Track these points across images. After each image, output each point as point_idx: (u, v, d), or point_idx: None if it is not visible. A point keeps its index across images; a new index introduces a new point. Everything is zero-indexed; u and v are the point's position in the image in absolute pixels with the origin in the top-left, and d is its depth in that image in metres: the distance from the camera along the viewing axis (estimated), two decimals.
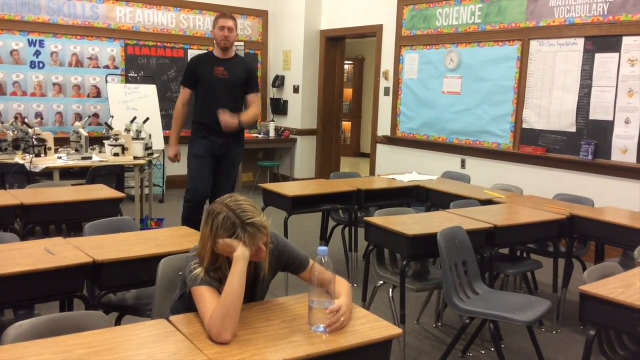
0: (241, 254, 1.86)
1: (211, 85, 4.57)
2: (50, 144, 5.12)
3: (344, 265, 4.85)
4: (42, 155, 5.04)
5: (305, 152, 8.58)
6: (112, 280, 2.60)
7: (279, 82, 8.69)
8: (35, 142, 5.02)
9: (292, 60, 8.55)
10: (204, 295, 1.86)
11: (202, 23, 8.20)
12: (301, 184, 5.68)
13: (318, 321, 1.86)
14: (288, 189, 4.65)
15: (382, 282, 3.53)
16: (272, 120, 8.67)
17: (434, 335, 3.80)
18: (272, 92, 8.86)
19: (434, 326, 3.89)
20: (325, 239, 5.00)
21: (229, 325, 1.76)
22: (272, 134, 8.48)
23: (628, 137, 5.11)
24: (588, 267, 3.26)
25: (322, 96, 8.46)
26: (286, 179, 8.50)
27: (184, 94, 4.75)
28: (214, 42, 4.71)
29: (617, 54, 5.16)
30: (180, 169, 8.14)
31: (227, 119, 4.48)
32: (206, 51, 5.10)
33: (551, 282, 3.97)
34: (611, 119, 5.21)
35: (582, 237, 4.09)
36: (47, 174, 4.93)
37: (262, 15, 8.72)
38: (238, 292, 1.83)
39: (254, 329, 1.85)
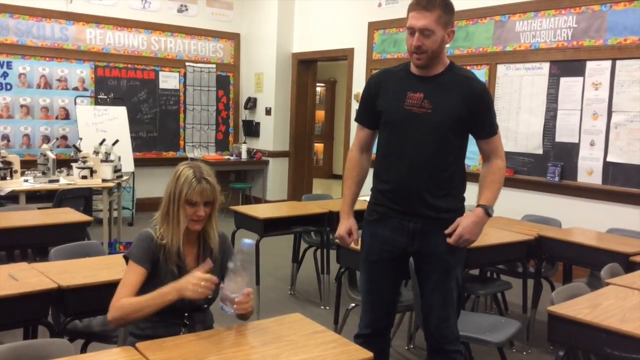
0: (177, 288, 1.98)
1: (399, 125, 2.59)
2: (17, 166, 5.04)
3: (315, 288, 4.83)
4: (8, 178, 4.95)
5: (277, 174, 8.58)
6: (78, 306, 2.55)
7: (251, 103, 8.70)
8: (1, 165, 4.93)
9: (264, 82, 8.58)
10: (130, 273, 2.09)
11: (173, 45, 8.19)
12: (273, 206, 5.67)
13: (228, 302, 2.00)
14: (259, 211, 4.63)
15: (353, 305, 3.52)
16: (244, 142, 8.65)
17: (405, 357, 3.79)
18: (244, 114, 8.86)
19: (406, 348, 3.88)
20: (296, 261, 4.98)
21: (126, 319, 2.04)
22: (244, 155, 8.46)
23: (593, 158, 5.23)
24: (556, 287, 3.30)
25: (294, 118, 8.49)
26: (258, 200, 8.47)
27: (359, 135, 2.79)
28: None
29: (581, 78, 5.30)
30: (151, 190, 8.11)
31: (464, 237, 2.68)
32: (403, 64, 2.64)
33: (521, 303, 4.01)
34: (576, 141, 5.33)
35: (550, 258, 4.14)
36: (12, 197, 4.85)
37: (234, 37, 8.75)
38: (147, 312, 2.01)
39: (224, 354, 1.84)
